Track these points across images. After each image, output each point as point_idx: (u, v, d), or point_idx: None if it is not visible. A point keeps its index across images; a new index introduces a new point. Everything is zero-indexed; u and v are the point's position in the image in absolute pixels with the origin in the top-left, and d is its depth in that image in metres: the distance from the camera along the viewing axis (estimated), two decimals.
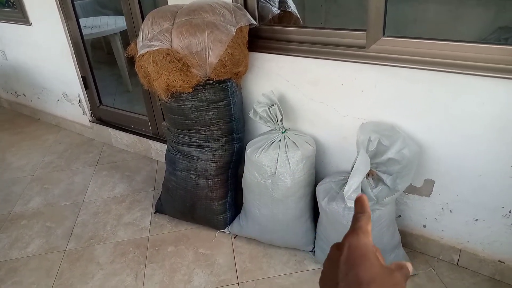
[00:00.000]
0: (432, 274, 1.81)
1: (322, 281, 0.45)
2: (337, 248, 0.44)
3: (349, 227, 0.46)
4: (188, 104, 1.84)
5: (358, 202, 0.47)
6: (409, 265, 0.43)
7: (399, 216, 1.92)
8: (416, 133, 1.68)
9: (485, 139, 1.53)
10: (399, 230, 1.82)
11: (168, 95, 1.80)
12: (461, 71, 1.45)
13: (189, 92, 1.80)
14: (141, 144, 2.86)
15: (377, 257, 0.42)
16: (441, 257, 1.89)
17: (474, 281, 1.77)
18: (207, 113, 1.87)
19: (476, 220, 1.72)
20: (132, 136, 2.88)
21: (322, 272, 0.46)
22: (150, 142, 2.78)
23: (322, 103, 1.87)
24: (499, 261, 1.74)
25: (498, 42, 1.45)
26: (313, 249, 1.92)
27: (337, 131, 1.90)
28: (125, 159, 2.89)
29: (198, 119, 1.87)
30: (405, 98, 1.63)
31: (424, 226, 1.88)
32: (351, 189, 1.55)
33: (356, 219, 0.45)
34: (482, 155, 1.57)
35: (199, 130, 1.90)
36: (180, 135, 1.96)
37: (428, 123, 1.64)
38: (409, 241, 1.94)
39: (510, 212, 1.61)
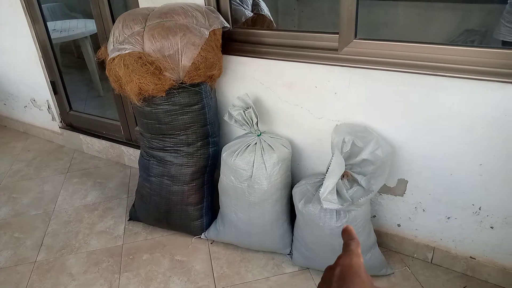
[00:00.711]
0: (407, 272, 1.84)
1: None
2: (330, 269, 0.47)
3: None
4: (162, 108, 1.81)
5: (346, 232, 0.51)
6: None
7: (374, 216, 1.94)
8: (389, 134, 1.70)
9: (456, 139, 1.57)
10: (374, 230, 1.84)
11: (140, 99, 1.77)
12: (431, 72, 1.49)
13: (162, 96, 1.77)
14: (114, 150, 2.79)
15: (368, 276, 0.45)
16: (415, 255, 1.92)
17: (448, 278, 1.80)
18: (181, 117, 1.84)
19: (448, 218, 1.75)
20: (104, 142, 2.81)
21: None
22: (123, 147, 2.72)
23: (297, 105, 1.88)
24: (471, 257, 1.78)
25: (465, 43, 1.49)
26: (290, 252, 1.92)
27: (312, 133, 1.90)
28: (97, 165, 2.81)
29: (172, 123, 1.84)
30: (378, 99, 1.66)
31: (399, 225, 1.91)
32: (327, 190, 1.55)
33: (346, 245, 0.49)
34: (453, 155, 1.61)
35: (173, 134, 1.87)
36: (153, 140, 1.92)
37: (401, 124, 1.66)
38: (384, 241, 1.96)
39: (480, 209, 1.66)
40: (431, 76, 1.49)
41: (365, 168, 1.67)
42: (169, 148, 1.91)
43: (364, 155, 1.65)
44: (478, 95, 1.45)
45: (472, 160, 1.58)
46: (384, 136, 1.71)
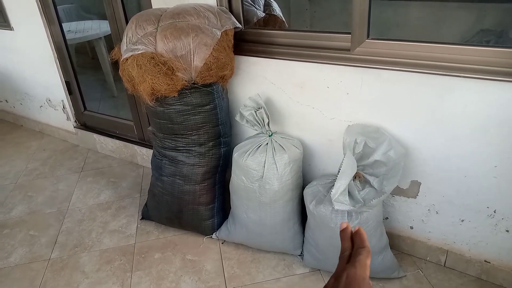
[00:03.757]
0: (420, 275, 1.82)
1: None
2: (334, 279, 0.47)
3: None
4: (174, 108, 1.82)
5: (358, 235, 0.50)
6: None
7: (386, 218, 1.92)
8: (402, 135, 1.69)
9: (470, 140, 1.55)
10: (386, 232, 1.82)
11: (153, 99, 1.78)
12: (445, 73, 1.47)
13: (174, 96, 1.79)
14: (127, 149, 2.82)
15: None
16: (428, 258, 1.90)
17: (461, 281, 1.78)
18: (193, 117, 1.85)
19: (462, 220, 1.73)
20: (117, 141, 2.84)
21: None
22: (136, 147, 2.75)
23: (308, 106, 1.87)
24: (485, 261, 1.75)
25: (480, 43, 1.47)
26: (301, 253, 1.91)
27: (323, 134, 1.90)
28: (110, 165, 2.85)
29: (184, 124, 1.85)
30: (390, 100, 1.64)
31: (411, 227, 1.89)
32: (338, 191, 1.55)
33: (356, 253, 0.48)
34: (467, 156, 1.58)
35: (185, 134, 1.88)
36: (166, 140, 1.94)
37: (414, 125, 1.65)
38: (396, 243, 1.94)
39: (495, 212, 1.63)
40: (445, 76, 1.47)
41: (377, 169, 1.66)
42: (181, 148, 1.92)
43: (377, 156, 1.63)
44: (492, 96, 1.43)
45: (486, 161, 1.55)
46: (397, 137, 1.69)
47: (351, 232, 0.52)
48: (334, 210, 1.63)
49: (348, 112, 1.77)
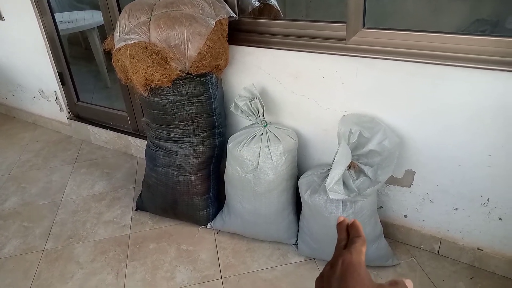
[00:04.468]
0: (413, 263, 1.83)
1: None
2: (330, 266, 0.47)
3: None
4: (168, 99, 1.81)
5: (353, 226, 0.51)
6: (409, 282, 0.46)
7: (381, 207, 1.93)
8: (397, 124, 1.69)
9: (464, 130, 1.55)
10: (380, 221, 1.83)
11: (146, 89, 1.77)
12: (440, 62, 1.46)
13: (168, 86, 1.77)
14: (121, 140, 2.81)
15: (369, 274, 0.45)
16: (422, 246, 1.91)
17: (454, 269, 1.79)
18: (187, 107, 1.84)
19: (456, 209, 1.74)
20: (111, 132, 2.83)
21: None
22: (130, 138, 2.74)
23: (303, 96, 1.86)
24: (478, 248, 1.77)
25: (476, 33, 1.47)
26: (296, 242, 1.92)
27: (318, 124, 1.89)
28: (104, 156, 2.83)
29: (178, 114, 1.84)
30: (386, 89, 1.64)
31: (405, 216, 1.90)
32: (333, 181, 1.55)
33: (352, 241, 0.49)
34: (461, 146, 1.59)
35: (180, 125, 1.87)
36: (160, 131, 1.93)
37: (409, 114, 1.65)
38: (390, 232, 1.95)
39: (488, 200, 1.64)
40: (440, 65, 1.47)
41: (372, 159, 1.66)
42: (176, 139, 1.91)
43: (371, 146, 1.64)
44: (486, 85, 1.43)
45: (480, 151, 1.56)
46: (392, 126, 1.69)
47: (347, 224, 0.53)
48: (329, 199, 1.63)
49: (343, 101, 1.77)
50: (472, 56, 1.41)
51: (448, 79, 1.49)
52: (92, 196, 2.40)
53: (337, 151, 1.57)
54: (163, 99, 1.82)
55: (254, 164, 1.76)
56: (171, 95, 1.80)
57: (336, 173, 1.55)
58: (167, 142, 1.93)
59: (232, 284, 1.76)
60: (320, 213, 1.68)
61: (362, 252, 0.47)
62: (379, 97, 1.67)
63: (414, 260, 1.85)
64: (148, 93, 1.79)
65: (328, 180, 1.54)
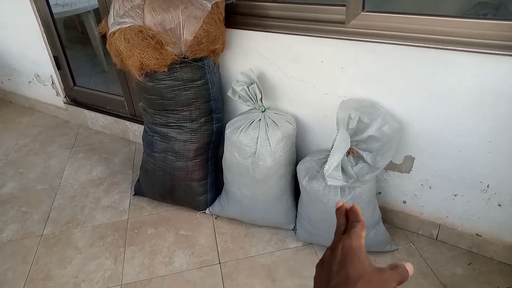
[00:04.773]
0: (411, 249, 1.83)
1: (315, 283, 0.48)
2: (331, 251, 0.47)
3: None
4: (164, 84, 1.78)
5: (352, 211, 0.51)
6: (409, 265, 0.46)
7: (379, 193, 1.93)
8: (397, 110, 1.67)
9: (465, 115, 1.53)
10: (379, 207, 1.83)
11: (142, 74, 1.74)
12: (441, 46, 1.43)
13: (164, 71, 1.74)
14: (118, 125, 2.79)
15: (369, 258, 0.45)
16: (420, 232, 1.91)
17: (452, 254, 1.80)
18: (184, 92, 1.81)
19: (455, 195, 1.73)
20: (108, 117, 2.80)
21: (315, 275, 0.48)
22: (127, 123, 2.71)
23: (302, 80, 1.84)
24: (477, 234, 1.77)
25: (477, 16, 1.43)
26: (294, 228, 1.92)
27: (317, 109, 1.87)
28: (102, 141, 2.81)
29: (175, 99, 1.82)
30: (385, 74, 1.61)
31: (404, 202, 1.90)
32: (331, 167, 1.53)
33: (351, 226, 0.48)
34: (461, 131, 1.57)
35: (176, 110, 1.85)
36: (156, 116, 1.91)
37: (409, 100, 1.62)
38: (389, 217, 1.95)
39: (488, 187, 1.63)
40: (441, 50, 1.44)
41: (371, 144, 1.65)
42: (173, 124, 1.89)
43: (371, 131, 1.62)
44: (488, 70, 1.40)
45: (481, 137, 1.54)
46: (392, 112, 1.67)
47: (346, 209, 0.52)
48: (327, 185, 1.62)
49: (342, 86, 1.74)
50: (474, 40, 1.38)
51: (449, 63, 1.46)
52: (90, 181, 2.39)
53: (335, 137, 1.55)
54: (159, 84, 1.79)
55: (252, 150, 1.75)
56: (167, 80, 1.77)
57: (334, 159, 1.53)
58: (164, 128, 1.91)
59: (230, 269, 1.76)
60: (318, 199, 1.67)
61: (362, 237, 0.47)
62: (379, 82, 1.65)
63: (413, 245, 1.85)
64: (144, 78, 1.76)
65: (326, 166, 1.53)
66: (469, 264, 1.75)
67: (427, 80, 1.53)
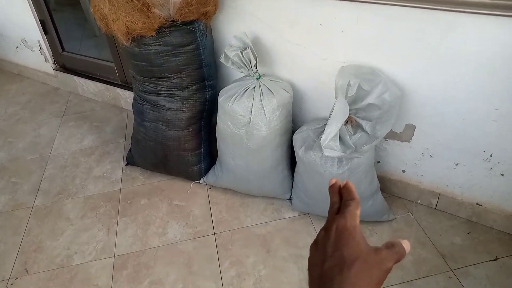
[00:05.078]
0: (410, 218, 1.80)
1: (309, 265, 0.46)
2: (325, 231, 0.46)
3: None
4: (152, 49, 1.68)
5: (346, 189, 0.48)
6: (406, 243, 0.44)
7: (378, 162, 1.87)
8: (399, 76, 1.58)
9: (471, 82, 1.45)
10: (377, 176, 1.77)
11: (128, 39, 1.64)
12: (447, 8, 1.32)
13: (152, 36, 1.64)
14: (109, 92, 2.69)
15: (364, 238, 0.43)
16: (419, 201, 1.87)
17: (451, 224, 1.77)
18: (174, 58, 1.71)
19: (457, 164, 1.68)
20: (99, 84, 2.71)
21: (310, 256, 0.46)
22: (118, 90, 2.62)
23: (299, 45, 1.73)
24: (477, 204, 1.73)
25: None
26: (290, 197, 1.87)
27: (315, 76, 1.78)
28: (93, 108, 2.73)
29: (165, 66, 1.72)
30: (388, 38, 1.51)
31: (403, 171, 1.85)
32: (329, 137, 1.47)
33: (345, 205, 0.46)
34: (466, 99, 1.49)
35: (167, 77, 1.76)
36: (146, 83, 1.82)
37: (412, 66, 1.53)
38: (387, 186, 1.91)
39: (491, 156, 1.57)
40: (447, 12, 1.33)
41: (370, 113, 1.57)
42: (163, 92, 1.80)
43: (371, 99, 1.54)
44: (496, 33, 1.30)
45: (487, 104, 1.46)
46: (393, 78, 1.58)
47: (340, 186, 0.49)
48: (324, 156, 1.56)
49: (342, 52, 1.65)
50: (482, 1, 1.27)
51: (455, 26, 1.36)
52: (81, 150, 2.33)
53: (334, 106, 1.47)
54: (147, 50, 1.69)
55: (246, 120, 1.67)
56: (155, 45, 1.67)
57: (332, 129, 1.46)
58: (154, 96, 1.83)
59: (225, 239, 1.73)
60: (314, 169, 1.62)
61: (357, 216, 0.45)
62: (380, 46, 1.55)
63: (411, 215, 1.82)
64: (131, 43, 1.66)
65: (323, 136, 1.46)
66: (468, 233, 1.72)
67: (432, 44, 1.44)
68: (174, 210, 1.88)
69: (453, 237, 1.71)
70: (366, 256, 0.42)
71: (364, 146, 1.49)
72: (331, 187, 0.50)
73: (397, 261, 0.43)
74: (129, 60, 1.82)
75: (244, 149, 1.74)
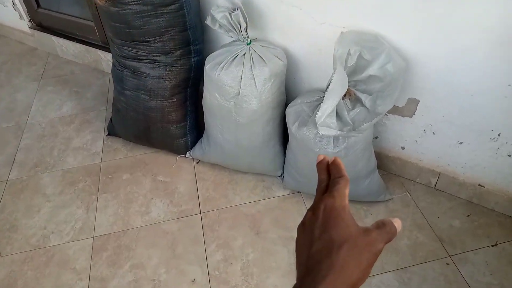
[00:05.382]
0: (407, 198, 1.70)
1: (297, 247, 0.44)
2: (312, 212, 0.43)
3: (320, 152, 0.45)
4: (130, 9, 1.50)
5: (335, 165, 0.45)
6: (397, 221, 0.41)
7: (376, 137, 1.74)
8: (403, 45, 1.42)
9: (483, 53, 1.30)
10: (375, 152, 1.66)
11: None
12: None
13: None
14: (90, 54, 2.50)
15: (353, 218, 0.41)
16: (418, 180, 1.77)
17: (451, 205, 1.67)
18: (155, 19, 1.53)
19: (461, 143, 1.56)
20: (78, 45, 2.50)
21: (297, 238, 0.44)
22: (99, 52, 2.43)
23: (295, 6, 1.55)
24: (479, 185, 1.63)
25: None
26: (282, 174, 1.76)
27: (312, 42, 1.61)
28: (73, 71, 2.54)
29: (144, 28, 1.54)
30: (394, 1, 1.34)
31: (403, 148, 1.73)
32: (325, 113, 1.33)
33: (334, 183, 0.44)
34: (477, 71, 1.35)
35: (147, 41, 1.58)
36: (125, 48, 1.64)
37: (418, 33, 1.37)
38: (385, 163, 1.80)
39: (499, 135, 1.45)
40: None
41: (371, 85, 1.43)
42: (144, 58, 1.63)
43: (372, 70, 1.39)
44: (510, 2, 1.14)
45: (499, 78, 1.32)
46: (398, 47, 1.42)
47: (328, 163, 0.47)
48: (319, 134, 1.43)
49: (342, 15, 1.47)
50: None
51: None
52: (60, 118, 2.18)
53: (331, 78, 1.32)
54: (124, 10, 1.50)
55: (235, 91, 1.52)
56: (133, 4, 1.49)
57: (329, 105, 1.32)
58: (134, 62, 1.66)
59: (211, 219, 1.63)
60: (308, 147, 1.49)
61: (345, 195, 0.43)
62: (386, 10, 1.38)
63: (408, 194, 1.72)
64: (105, 1, 1.47)
65: (319, 112, 1.32)
66: (468, 215, 1.64)
67: (442, 9, 1.27)
68: (158, 187, 1.77)
69: (452, 220, 1.62)
70: (356, 238, 0.39)
71: (363, 124, 1.35)
72: (319, 164, 0.47)
73: (388, 241, 0.40)
74: (105, 21, 1.64)
75: (233, 123, 1.60)
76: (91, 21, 2.35)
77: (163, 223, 1.62)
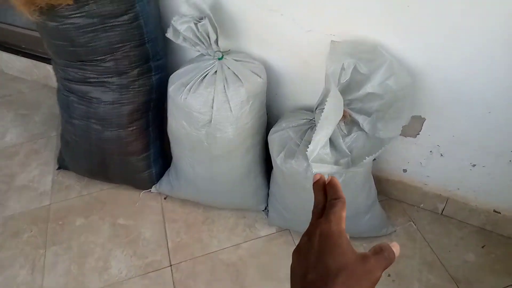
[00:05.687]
0: (412, 229, 1.48)
1: (292, 274, 0.42)
2: (308, 237, 0.42)
3: (312, 191, 0.44)
4: (72, 23, 1.21)
5: (331, 186, 0.44)
6: (395, 245, 0.40)
7: (374, 159, 1.50)
8: (408, 55, 1.18)
9: (502, 62, 1.08)
10: (373, 176, 1.41)
11: (34, 10, 1.15)
12: None
13: (69, 5, 1.16)
14: (38, 70, 2.17)
15: (350, 244, 0.40)
16: (422, 205, 1.55)
17: (462, 234, 1.46)
18: (104, 34, 1.24)
19: (474, 165, 1.34)
20: (25, 59, 2.17)
21: (292, 264, 0.42)
22: (49, 67, 2.09)
23: (276, 11, 1.28)
24: (494, 211, 1.42)
25: None
26: (266, 208, 1.50)
27: (296, 53, 1.35)
28: (20, 90, 2.20)
29: (91, 45, 1.25)
30: (395, 3, 1.09)
31: (405, 171, 1.50)
32: (318, 147, 1.07)
33: (330, 205, 0.42)
34: (495, 84, 1.13)
35: (96, 60, 1.29)
36: (69, 69, 1.34)
37: (425, 40, 1.14)
38: (384, 188, 1.56)
39: None
40: None
41: (368, 103, 1.19)
42: (93, 80, 1.34)
43: (370, 87, 1.15)
44: None
45: None
46: (402, 59, 1.18)
47: (324, 183, 0.44)
48: (311, 168, 1.17)
49: (332, 21, 1.22)
50: None
51: None
52: (2, 150, 1.84)
53: (322, 99, 1.07)
54: (64, 24, 1.21)
55: (206, 118, 1.24)
56: (76, 17, 1.20)
57: (322, 136, 1.07)
58: (82, 85, 1.36)
59: (184, 272, 1.35)
60: (298, 183, 1.23)
61: (342, 218, 0.41)
62: (385, 14, 1.13)
63: (413, 224, 1.49)
64: (40, 16, 1.17)
65: (311, 146, 1.06)
66: (482, 246, 1.42)
67: (455, 11, 1.04)
68: (119, 233, 1.47)
69: (465, 253, 1.40)
70: (353, 266, 0.37)
71: (365, 158, 1.10)
72: (315, 184, 0.45)
73: (386, 267, 0.38)
74: (44, 38, 1.33)
75: (205, 155, 1.32)
76: (37, 30, 2.02)
77: (126, 282, 1.32)
